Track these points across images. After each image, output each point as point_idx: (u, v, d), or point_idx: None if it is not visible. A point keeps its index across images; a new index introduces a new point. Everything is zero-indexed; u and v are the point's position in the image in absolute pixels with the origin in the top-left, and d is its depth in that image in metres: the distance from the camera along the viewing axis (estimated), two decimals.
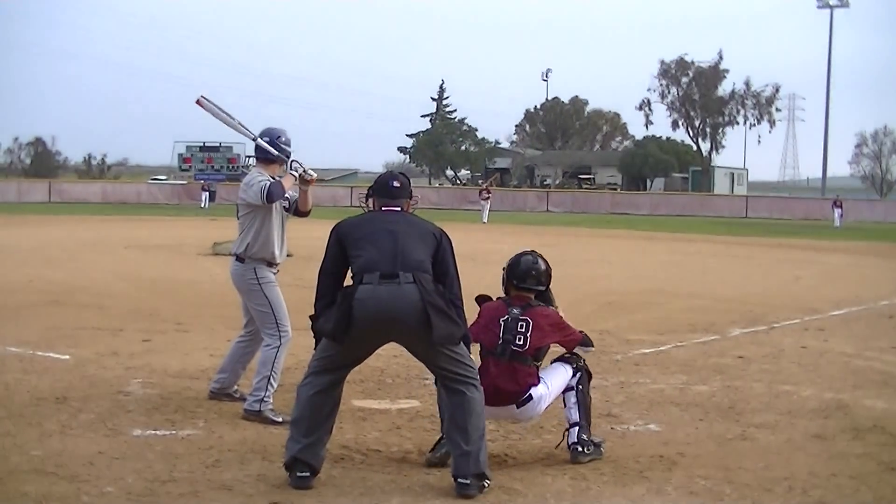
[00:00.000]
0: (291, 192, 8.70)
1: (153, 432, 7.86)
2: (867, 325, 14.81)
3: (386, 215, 6.84)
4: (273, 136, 8.74)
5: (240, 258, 8.61)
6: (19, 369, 10.05)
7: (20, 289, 17.03)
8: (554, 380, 7.36)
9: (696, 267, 25.65)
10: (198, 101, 8.86)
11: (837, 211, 57.04)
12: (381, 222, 6.76)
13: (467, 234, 34.69)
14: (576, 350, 7.55)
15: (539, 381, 7.24)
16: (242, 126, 8.98)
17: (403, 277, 6.46)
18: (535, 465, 7.21)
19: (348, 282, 6.67)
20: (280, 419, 8.13)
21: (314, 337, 6.77)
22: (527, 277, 7.55)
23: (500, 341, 7.24)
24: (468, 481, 6.41)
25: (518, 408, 7.18)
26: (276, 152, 8.65)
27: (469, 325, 6.93)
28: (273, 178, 8.56)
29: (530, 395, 7.17)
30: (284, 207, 8.71)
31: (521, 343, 7.20)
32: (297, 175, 8.56)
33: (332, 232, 6.82)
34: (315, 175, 8.67)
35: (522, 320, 7.27)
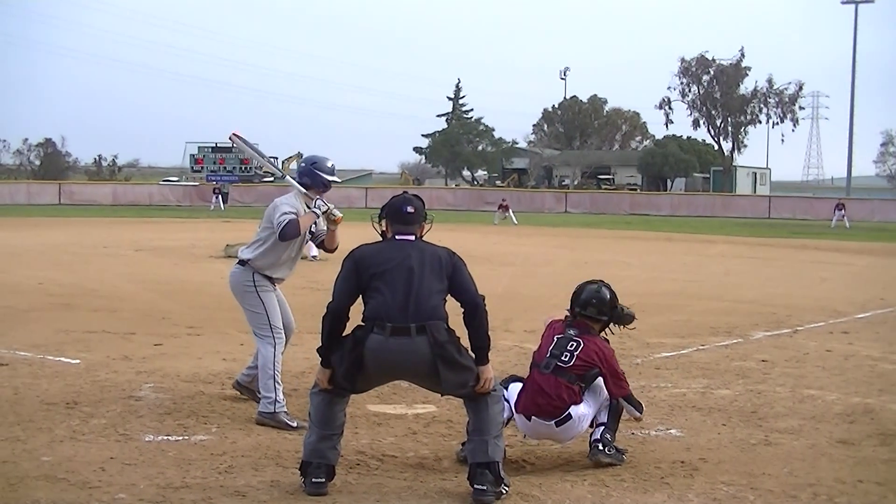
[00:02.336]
0: (315, 227, 8.77)
1: (165, 438, 7.88)
2: (893, 328, 14.78)
3: (401, 247, 6.82)
4: (308, 163, 8.85)
5: (242, 262, 8.69)
6: (29, 374, 10.08)
7: (30, 292, 17.12)
8: (597, 398, 7.45)
9: (718, 269, 25.58)
10: (231, 137, 9.02)
11: (840, 212, 56.63)
12: (397, 255, 6.73)
13: (484, 235, 34.77)
14: (622, 403, 7.54)
15: (581, 401, 7.33)
16: (271, 164, 9.13)
17: (415, 329, 6.52)
18: (554, 471, 7.22)
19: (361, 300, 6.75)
20: (295, 424, 8.17)
21: (321, 364, 6.76)
22: (587, 305, 7.71)
23: (549, 355, 7.42)
24: (485, 486, 6.44)
25: (557, 426, 7.26)
26: (302, 189, 8.70)
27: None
28: (304, 209, 8.61)
29: (569, 414, 7.25)
30: (311, 235, 8.83)
31: (567, 360, 7.36)
32: (318, 213, 8.63)
33: (347, 259, 6.82)
34: (340, 215, 8.76)
35: (575, 341, 7.45)
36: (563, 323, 7.68)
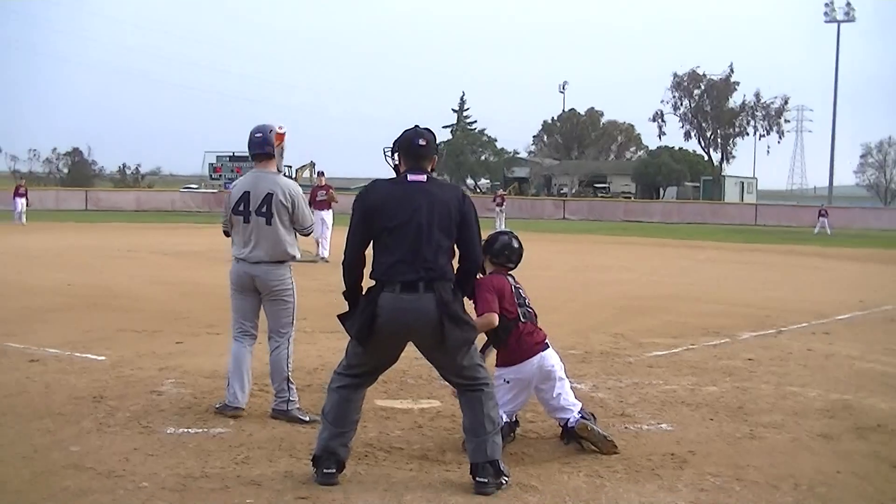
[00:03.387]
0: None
1: (186, 430, 7.90)
2: (871, 329, 14.78)
3: (412, 195, 6.58)
4: (266, 131, 8.62)
5: (280, 260, 8.47)
6: (58, 370, 10.12)
7: (59, 293, 17.17)
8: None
9: (708, 273, 25.59)
10: (280, 135, 8.62)
11: (822, 219, 56.86)
12: (407, 209, 6.53)
13: None
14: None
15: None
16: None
17: (423, 286, 6.45)
18: (552, 462, 7.21)
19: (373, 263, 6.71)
20: (307, 418, 8.17)
21: (347, 304, 6.77)
22: (500, 254, 7.81)
23: (520, 307, 7.64)
24: (486, 479, 6.42)
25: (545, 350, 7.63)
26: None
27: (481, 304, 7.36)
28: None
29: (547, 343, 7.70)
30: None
31: (531, 307, 7.75)
32: None
33: (357, 204, 6.68)
34: None
35: (522, 289, 7.79)
36: (502, 276, 7.74)
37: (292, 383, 8.44)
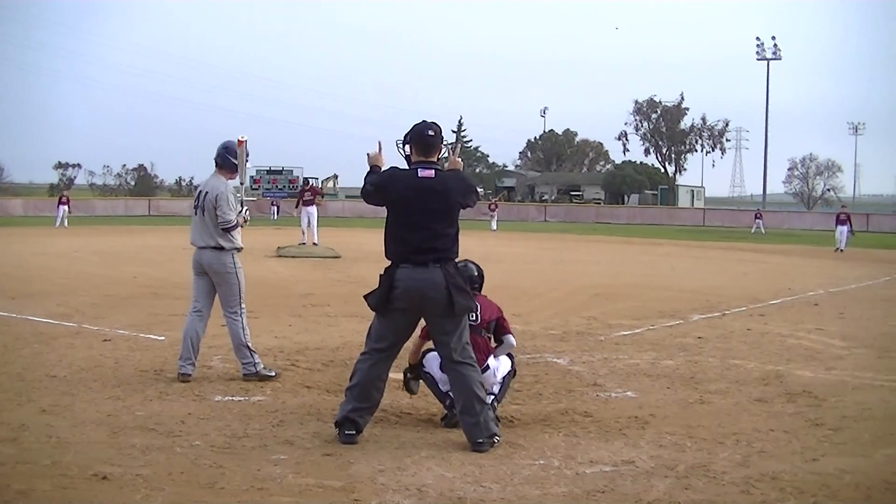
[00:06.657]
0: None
1: (231, 398, 7.89)
2: (797, 312, 14.74)
3: (422, 193, 6.46)
4: (223, 147, 8.78)
5: (219, 247, 8.65)
6: (126, 347, 10.12)
7: (127, 283, 17.17)
8: (502, 364, 7.27)
9: (665, 266, 25.52)
10: (240, 141, 8.74)
11: (758, 221, 57.16)
12: (420, 206, 6.45)
13: (482, 239, 34.60)
14: (506, 340, 7.40)
15: (492, 353, 7.23)
16: (243, 181, 9.09)
17: (432, 264, 6.43)
18: (535, 425, 7.18)
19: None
20: (273, 373, 8.59)
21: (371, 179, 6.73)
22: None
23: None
24: (482, 440, 6.38)
25: (482, 373, 6.95)
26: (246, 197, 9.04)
27: None
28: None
29: (488, 365, 7.10)
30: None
31: (475, 318, 7.09)
32: (243, 224, 8.87)
33: (381, 183, 6.62)
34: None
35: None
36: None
37: (254, 350, 8.66)
